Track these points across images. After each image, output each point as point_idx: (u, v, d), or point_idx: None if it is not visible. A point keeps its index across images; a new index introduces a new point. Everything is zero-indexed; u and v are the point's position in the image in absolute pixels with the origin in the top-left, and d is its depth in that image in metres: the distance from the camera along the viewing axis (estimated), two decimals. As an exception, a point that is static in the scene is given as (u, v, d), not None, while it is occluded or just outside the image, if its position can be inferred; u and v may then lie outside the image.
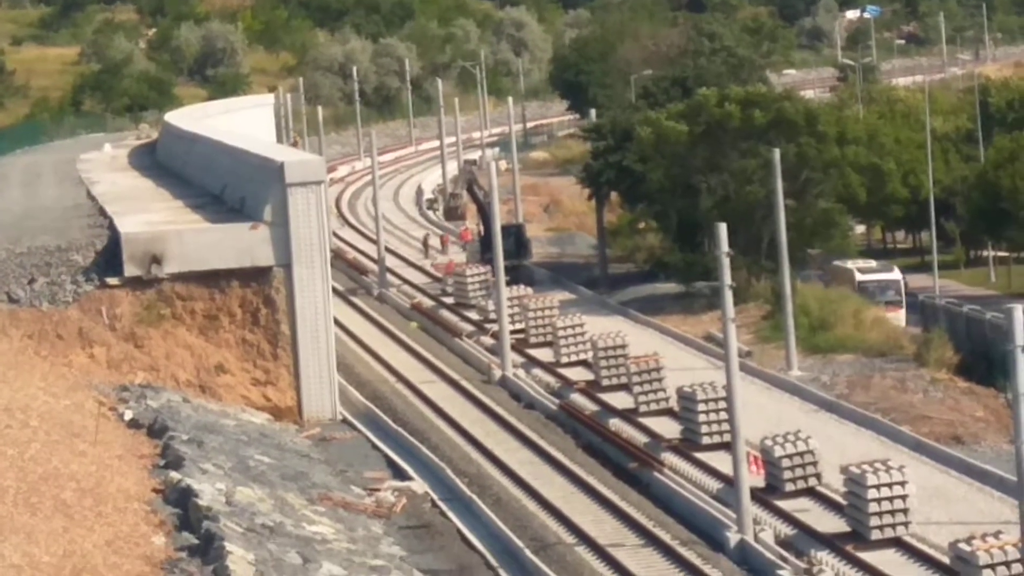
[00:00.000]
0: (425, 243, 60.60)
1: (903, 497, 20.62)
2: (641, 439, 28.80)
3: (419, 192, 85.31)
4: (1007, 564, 17.54)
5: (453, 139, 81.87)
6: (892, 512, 20.52)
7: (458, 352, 41.07)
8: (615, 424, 30.32)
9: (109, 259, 32.32)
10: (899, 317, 42.38)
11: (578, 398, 33.29)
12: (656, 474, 25.84)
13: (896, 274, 45.24)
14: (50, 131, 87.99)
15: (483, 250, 47.50)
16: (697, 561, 21.20)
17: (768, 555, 20.52)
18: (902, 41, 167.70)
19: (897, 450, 26.15)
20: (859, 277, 44.21)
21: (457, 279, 48.35)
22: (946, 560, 19.25)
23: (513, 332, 38.83)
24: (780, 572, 19.80)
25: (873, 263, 47.68)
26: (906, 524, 20.79)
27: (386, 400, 35.17)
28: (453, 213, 58.16)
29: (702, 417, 27.05)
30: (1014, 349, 16.18)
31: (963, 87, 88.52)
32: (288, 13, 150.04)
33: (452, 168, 73.87)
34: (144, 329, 31.25)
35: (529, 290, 43.77)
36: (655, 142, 43.92)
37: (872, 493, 20.41)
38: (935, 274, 49.85)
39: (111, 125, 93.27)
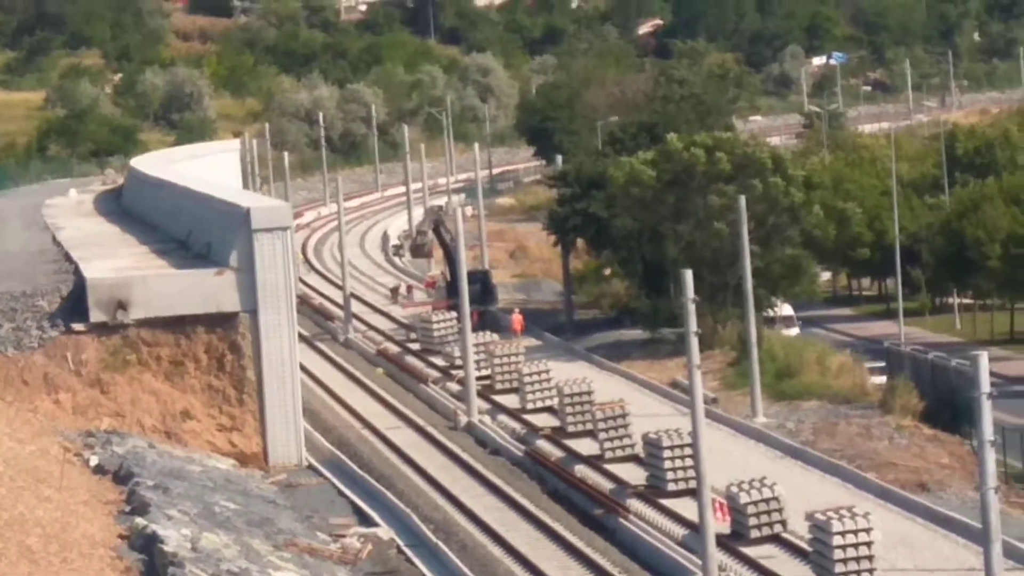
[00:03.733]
0: (394, 292, 60.73)
1: (868, 544, 20.71)
2: (607, 485, 28.81)
3: (385, 238, 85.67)
4: None
5: (419, 185, 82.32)
6: (857, 559, 20.61)
7: (424, 398, 41.02)
8: (580, 470, 30.31)
9: (75, 305, 32.06)
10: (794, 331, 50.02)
11: (544, 444, 33.25)
12: (622, 520, 25.84)
13: (790, 309, 51.48)
14: (16, 176, 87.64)
15: (449, 295, 47.65)
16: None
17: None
18: (868, 88, 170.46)
19: (863, 497, 26.28)
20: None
21: (423, 325, 48.34)
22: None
23: (479, 378, 38.83)
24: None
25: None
26: (871, 571, 20.92)
27: (352, 446, 35.00)
28: (420, 251, 58.37)
29: (667, 464, 27.12)
30: (979, 396, 16.47)
31: (929, 134, 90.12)
32: (254, 59, 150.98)
33: (418, 214, 74.10)
34: (110, 375, 30.98)
35: (495, 336, 43.85)
36: (626, 185, 44.35)
37: (837, 540, 20.51)
38: (900, 321, 50.54)
39: (77, 170, 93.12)
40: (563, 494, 29.10)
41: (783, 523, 23.74)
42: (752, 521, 23.58)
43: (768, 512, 23.61)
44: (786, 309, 51.01)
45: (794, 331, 50.53)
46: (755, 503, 23.61)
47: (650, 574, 22.98)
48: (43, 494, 22.57)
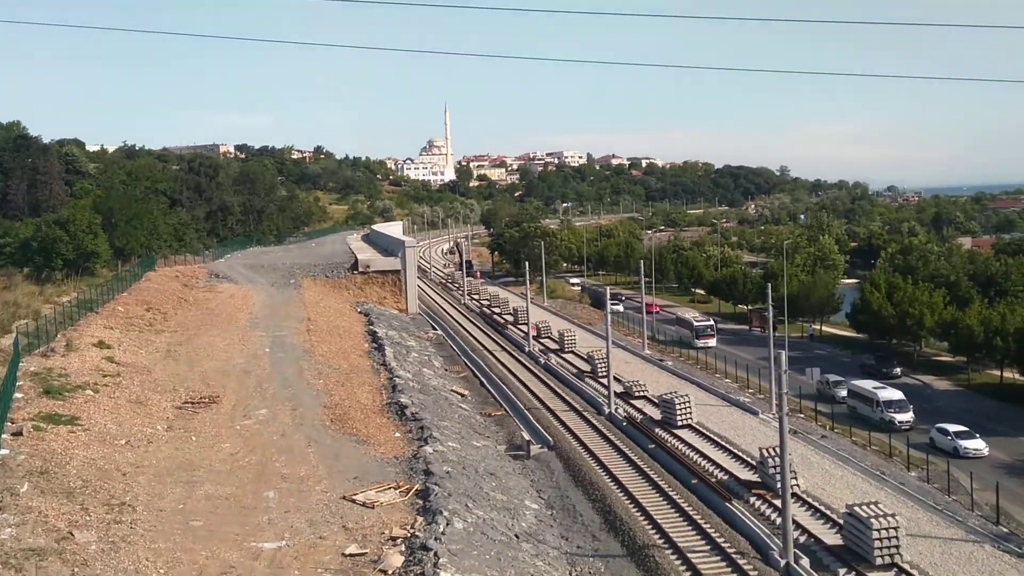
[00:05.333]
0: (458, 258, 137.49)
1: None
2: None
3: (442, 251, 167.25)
4: None
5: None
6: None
7: (464, 304, 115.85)
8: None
9: (354, 265, 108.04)
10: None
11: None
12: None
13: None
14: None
15: (468, 272, 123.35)
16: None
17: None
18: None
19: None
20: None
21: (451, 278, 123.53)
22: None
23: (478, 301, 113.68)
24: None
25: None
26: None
27: (435, 310, 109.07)
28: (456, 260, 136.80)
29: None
30: (607, 300, 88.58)
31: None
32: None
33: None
34: (364, 287, 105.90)
35: (476, 279, 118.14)
36: (510, 239, 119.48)
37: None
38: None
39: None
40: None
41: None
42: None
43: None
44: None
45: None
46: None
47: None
48: (344, 318, 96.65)
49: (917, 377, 78.30)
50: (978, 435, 55.15)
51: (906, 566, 32.78)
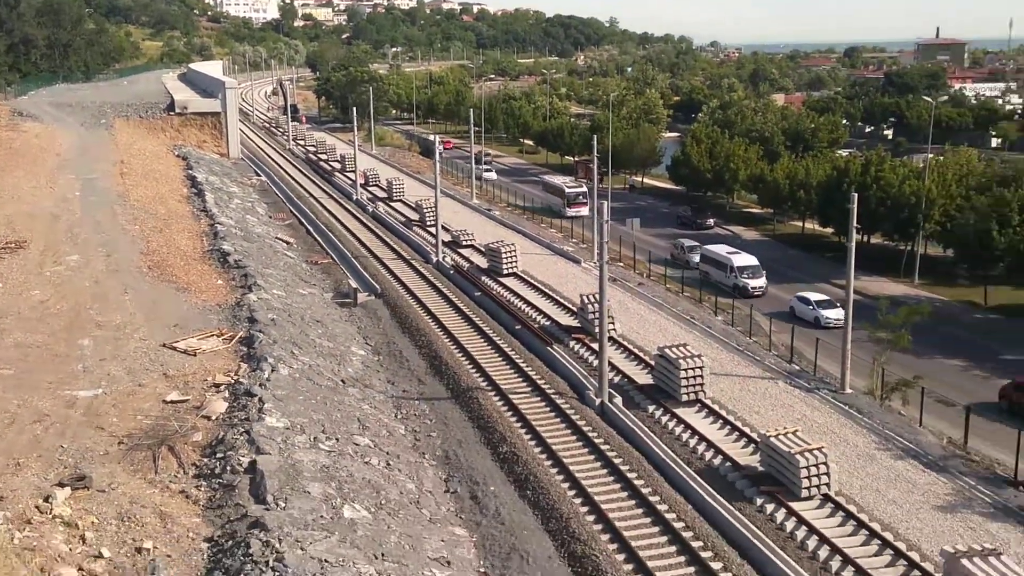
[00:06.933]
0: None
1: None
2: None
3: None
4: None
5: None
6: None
7: (281, 142, 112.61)
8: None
9: (171, 105, 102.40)
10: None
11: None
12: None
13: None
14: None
15: (294, 116, 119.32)
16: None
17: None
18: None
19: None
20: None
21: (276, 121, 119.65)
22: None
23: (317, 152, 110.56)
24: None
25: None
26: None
27: (258, 155, 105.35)
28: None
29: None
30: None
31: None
32: None
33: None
34: (181, 129, 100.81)
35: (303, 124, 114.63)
36: None
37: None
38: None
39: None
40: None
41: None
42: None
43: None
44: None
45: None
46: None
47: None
48: (160, 162, 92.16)
49: (728, 228, 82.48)
50: (837, 304, 51.88)
51: (709, 401, 35.34)
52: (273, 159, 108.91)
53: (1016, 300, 58.40)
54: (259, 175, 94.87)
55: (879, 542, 25.40)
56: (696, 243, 68.10)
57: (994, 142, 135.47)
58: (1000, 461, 32.03)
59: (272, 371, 32.12)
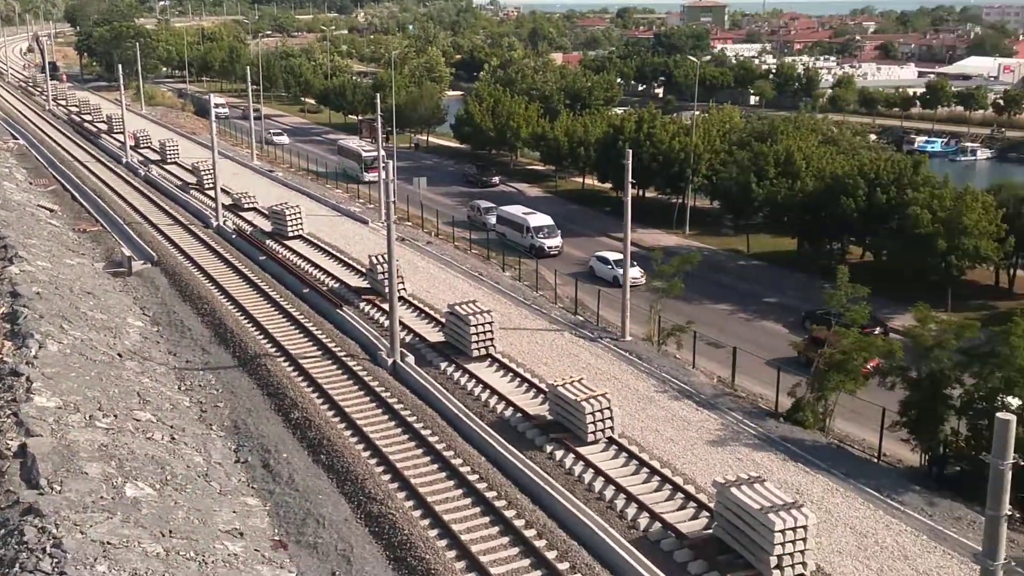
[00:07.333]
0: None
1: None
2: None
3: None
4: None
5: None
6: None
7: (50, 111, 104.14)
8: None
9: None
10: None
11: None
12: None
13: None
14: None
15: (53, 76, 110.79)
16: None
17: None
18: None
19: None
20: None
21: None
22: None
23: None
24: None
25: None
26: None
27: (19, 123, 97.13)
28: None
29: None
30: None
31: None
32: None
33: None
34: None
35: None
36: None
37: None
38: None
39: None
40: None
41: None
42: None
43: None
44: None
45: None
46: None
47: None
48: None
49: (513, 185, 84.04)
50: (636, 263, 51.13)
51: (499, 355, 36.18)
52: (32, 121, 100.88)
53: (774, 247, 62.93)
54: (16, 138, 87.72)
55: (659, 478, 27.02)
56: (492, 204, 68.05)
57: (753, 100, 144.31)
58: (763, 395, 34.72)
59: (40, 348, 30.15)
